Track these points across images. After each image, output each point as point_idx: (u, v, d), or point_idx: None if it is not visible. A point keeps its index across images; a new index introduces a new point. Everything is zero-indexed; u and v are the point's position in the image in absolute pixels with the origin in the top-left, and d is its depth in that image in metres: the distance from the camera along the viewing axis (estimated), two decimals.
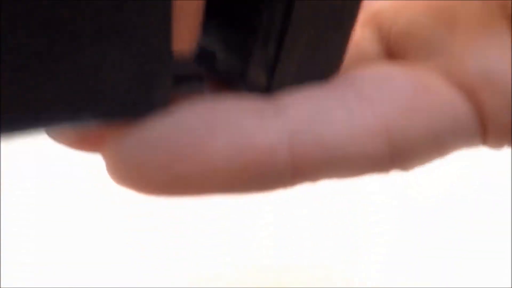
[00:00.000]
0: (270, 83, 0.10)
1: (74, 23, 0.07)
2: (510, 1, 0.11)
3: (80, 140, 0.12)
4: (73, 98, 0.08)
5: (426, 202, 0.28)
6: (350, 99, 0.11)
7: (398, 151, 0.11)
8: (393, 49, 0.12)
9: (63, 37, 0.07)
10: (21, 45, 0.07)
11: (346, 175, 0.11)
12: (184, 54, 0.10)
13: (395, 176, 0.11)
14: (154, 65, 0.08)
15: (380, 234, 0.26)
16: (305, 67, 0.11)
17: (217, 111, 0.10)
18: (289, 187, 0.11)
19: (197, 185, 0.10)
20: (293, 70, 0.11)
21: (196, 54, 0.10)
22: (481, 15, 0.11)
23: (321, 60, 0.11)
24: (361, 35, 0.12)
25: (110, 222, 0.27)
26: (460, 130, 0.11)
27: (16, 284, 0.20)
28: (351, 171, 0.11)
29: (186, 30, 0.10)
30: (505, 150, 0.13)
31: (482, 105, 0.11)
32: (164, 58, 0.09)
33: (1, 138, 0.07)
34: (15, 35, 0.07)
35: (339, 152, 0.10)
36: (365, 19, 0.12)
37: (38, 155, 0.38)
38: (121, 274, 0.22)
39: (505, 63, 0.11)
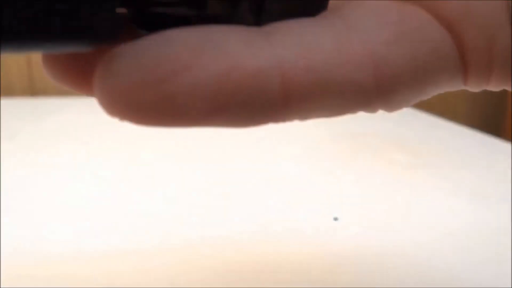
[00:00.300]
0: (258, 23, 0.11)
1: None
2: None
3: (71, 75, 0.11)
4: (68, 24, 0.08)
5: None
6: (337, 28, 0.11)
7: (383, 80, 0.11)
8: None
9: None
10: None
11: (334, 107, 0.11)
12: None
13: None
14: None
15: None
16: (292, 4, 0.11)
17: (205, 35, 0.10)
18: (279, 120, 0.11)
19: (185, 108, 0.09)
20: (280, 8, 0.11)
21: None
22: None
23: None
24: None
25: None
26: (442, 62, 0.11)
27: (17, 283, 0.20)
28: (338, 102, 0.11)
29: None
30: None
31: (462, 38, 0.11)
32: None
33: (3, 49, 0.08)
34: None
35: (328, 78, 0.10)
36: None
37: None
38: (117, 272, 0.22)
39: None
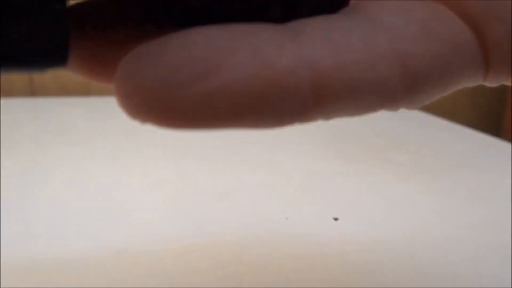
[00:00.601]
0: (287, 20, 0.11)
1: None
2: None
3: (93, 69, 0.11)
4: None
5: None
6: (364, 26, 0.11)
7: (410, 78, 0.11)
8: None
9: None
10: None
11: (361, 106, 0.11)
12: None
13: None
14: None
15: None
16: (319, 1, 0.11)
17: (235, 34, 0.09)
18: (306, 120, 0.10)
19: (215, 109, 0.09)
20: (309, 5, 0.11)
21: None
22: None
23: None
24: None
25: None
26: (466, 59, 0.11)
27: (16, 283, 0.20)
28: (367, 102, 0.11)
29: None
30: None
31: (485, 34, 0.11)
32: None
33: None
34: None
35: (358, 78, 0.10)
36: None
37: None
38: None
39: None
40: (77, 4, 0.12)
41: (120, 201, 0.29)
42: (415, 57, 0.11)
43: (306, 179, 0.34)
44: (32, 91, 0.67)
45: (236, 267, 0.22)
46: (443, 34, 0.11)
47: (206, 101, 0.09)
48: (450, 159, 0.41)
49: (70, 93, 0.68)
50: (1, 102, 0.57)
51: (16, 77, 0.66)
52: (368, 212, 0.29)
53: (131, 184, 0.32)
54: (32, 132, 0.44)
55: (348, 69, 0.10)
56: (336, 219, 0.28)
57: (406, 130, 0.49)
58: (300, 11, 0.11)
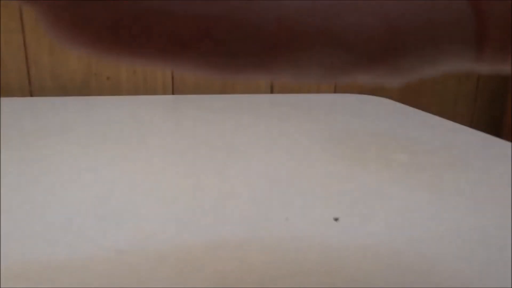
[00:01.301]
0: None
1: None
2: None
3: None
4: None
5: None
6: None
7: (394, 34, 0.10)
8: None
9: None
10: None
11: (334, 61, 0.10)
12: None
13: None
14: None
15: None
16: None
17: None
18: (271, 71, 0.10)
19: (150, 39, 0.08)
20: None
21: None
22: None
23: None
24: None
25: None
26: (458, 31, 0.11)
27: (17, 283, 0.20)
28: (338, 56, 0.10)
29: None
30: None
31: (484, 7, 0.11)
32: None
33: None
34: None
35: (331, 21, 0.09)
36: None
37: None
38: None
39: None
40: None
41: (120, 201, 0.29)
42: (401, 12, 0.10)
43: (306, 179, 0.34)
44: (31, 91, 0.67)
45: (236, 267, 0.22)
46: (435, 1, 0.10)
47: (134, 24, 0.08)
48: (450, 159, 0.40)
49: (69, 93, 0.68)
50: (1, 102, 0.57)
51: (15, 77, 0.66)
52: (368, 212, 0.29)
53: (131, 184, 0.32)
54: (31, 132, 0.44)
55: (316, 14, 0.09)
56: (336, 219, 0.28)
57: (406, 130, 0.49)
58: None
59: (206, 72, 0.09)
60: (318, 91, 0.74)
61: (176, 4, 0.08)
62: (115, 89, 0.69)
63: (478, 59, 0.11)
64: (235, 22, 0.09)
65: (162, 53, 0.09)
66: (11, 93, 0.66)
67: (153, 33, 0.08)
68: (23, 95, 0.67)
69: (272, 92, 0.73)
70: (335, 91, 0.74)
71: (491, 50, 0.11)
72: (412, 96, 0.75)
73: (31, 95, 0.67)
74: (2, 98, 0.60)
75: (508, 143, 0.45)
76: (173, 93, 0.71)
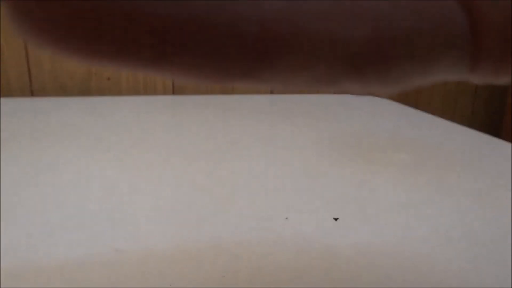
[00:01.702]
0: None
1: None
2: None
3: None
4: None
5: None
6: None
7: (383, 43, 0.09)
8: None
9: None
10: None
11: (318, 71, 0.09)
12: None
13: None
14: None
15: None
16: None
17: None
18: (256, 79, 0.09)
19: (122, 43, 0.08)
20: None
21: None
22: None
23: None
24: None
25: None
26: (450, 40, 0.10)
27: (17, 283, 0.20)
28: (324, 64, 0.09)
29: None
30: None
31: (480, 17, 0.10)
32: None
33: None
34: None
35: (312, 29, 0.09)
36: None
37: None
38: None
39: None
40: None
41: (119, 200, 0.29)
42: (390, 17, 0.09)
43: (306, 179, 0.34)
44: (31, 91, 0.67)
45: (236, 267, 0.22)
46: (428, 7, 0.10)
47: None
48: (450, 159, 0.40)
49: (70, 93, 0.68)
50: (1, 102, 0.57)
51: (15, 77, 0.66)
52: (368, 211, 0.29)
53: (131, 184, 0.32)
54: (31, 132, 0.44)
55: (302, 19, 0.09)
56: (336, 219, 0.28)
57: (406, 130, 0.49)
58: None
59: (179, 78, 0.09)
60: (318, 91, 0.74)
61: (140, 4, 0.08)
62: (115, 89, 0.69)
63: (472, 70, 0.11)
64: (213, 24, 0.08)
65: (118, 54, 0.08)
66: (11, 93, 0.66)
67: (110, 32, 0.08)
68: (23, 95, 0.67)
69: (272, 92, 0.73)
70: (335, 92, 0.74)
71: (486, 62, 0.11)
72: (412, 96, 0.75)
73: (32, 95, 0.67)
74: (2, 98, 0.60)
75: (507, 143, 0.45)
76: (173, 93, 0.71)
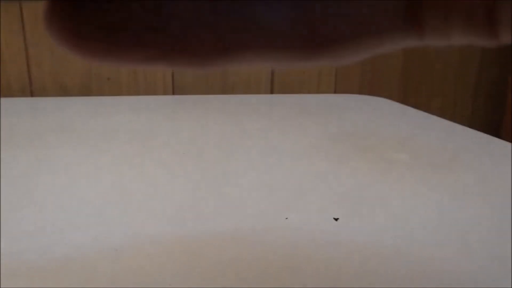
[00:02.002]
0: None
1: None
2: None
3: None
4: None
5: None
6: None
7: (314, 27, 0.10)
8: None
9: None
10: None
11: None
12: None
13: None
14: None
15: None
16: None
17: None
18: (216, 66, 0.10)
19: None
20: None
21: None
22: None
23: None
24: None
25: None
26: (386, 9, 0.10)
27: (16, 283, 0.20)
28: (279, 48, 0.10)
29: None
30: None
31: None
32: None
33: None
34: None
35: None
36: None
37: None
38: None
39: None
40: None
41: (119, 200, 0.29)
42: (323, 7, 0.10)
43: (306, 179, 0.34)
44: (32, 91, 0.67)
45: (235, 267, 0.22)
46: None
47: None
48: (450, 159, 0.40)
49: (70, 93, 0.68)
50: (1, 102, 0.57)
51: (15, 77, 0.66)
52: (368, 211, 0.29)
53: (130, 184, 0.32)
54: (31, 132, 0.44)
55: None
56: (336, 219, 0.28)
57: (405, 130, 0.49)
58: None
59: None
60: (318, 91, 0.74)
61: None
62: (115, 90, 0.69)
63: (421, 39, 0.11)
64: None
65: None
66: (11, 93, 0.66)
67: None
68: (23, 95, 0.67)
69: (272, 92, 0.73)
70: (335, 92, 0.74)
71: (430, 24, 0.11)
72: (412, 96, 0.75)
73: (32, 95, 0.67)
74: (2, 98, 0.60)
75: (507, 143, 0.45)
76: (173, 93, 0.71)
